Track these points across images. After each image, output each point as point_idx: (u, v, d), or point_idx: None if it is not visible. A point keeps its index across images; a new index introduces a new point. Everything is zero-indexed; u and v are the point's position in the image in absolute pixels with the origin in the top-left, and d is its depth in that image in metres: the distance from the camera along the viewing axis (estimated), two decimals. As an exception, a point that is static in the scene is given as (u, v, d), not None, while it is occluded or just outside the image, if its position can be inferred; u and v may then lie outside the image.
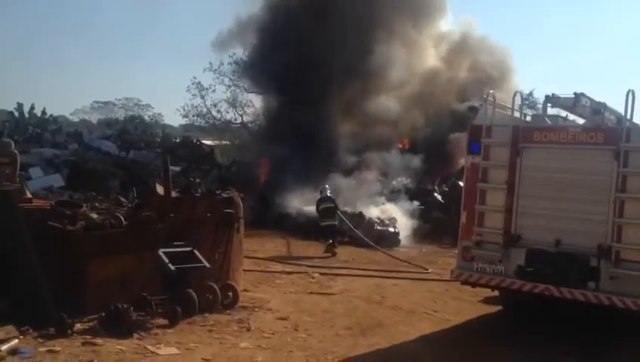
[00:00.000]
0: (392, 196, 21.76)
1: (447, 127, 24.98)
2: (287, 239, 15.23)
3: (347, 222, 16.36)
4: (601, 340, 8.41)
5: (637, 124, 8.73)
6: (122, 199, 12.57)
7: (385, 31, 25.27)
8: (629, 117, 8.16)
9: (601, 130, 8.49)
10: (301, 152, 22.84)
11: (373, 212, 19.78)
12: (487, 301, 10.39)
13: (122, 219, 8.79)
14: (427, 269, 13.92)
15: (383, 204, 20.85)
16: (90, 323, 7.46)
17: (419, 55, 27.24)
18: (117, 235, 8.40)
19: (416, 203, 21.44)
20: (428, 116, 26.40)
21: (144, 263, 8.32)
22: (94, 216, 8.85)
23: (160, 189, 10.09)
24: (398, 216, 19.94)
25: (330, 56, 23.52)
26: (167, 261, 8.13)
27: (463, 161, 11.11)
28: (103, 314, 7.41)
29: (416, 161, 23.36)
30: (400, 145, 25.28)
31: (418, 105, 26.29)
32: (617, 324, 8.42)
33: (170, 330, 7.54)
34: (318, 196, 16.49)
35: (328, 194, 16.27)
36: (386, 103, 24.98)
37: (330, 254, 15.17)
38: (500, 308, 10.12)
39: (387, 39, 25.23)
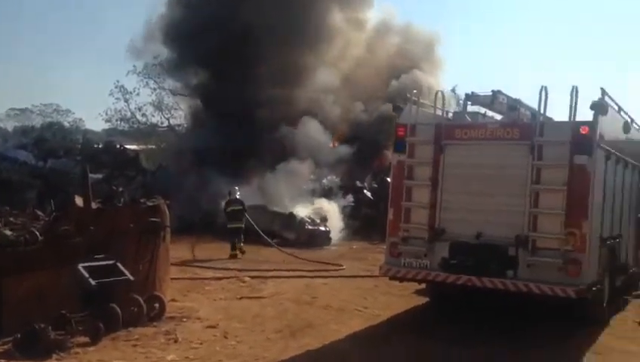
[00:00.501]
0: (324, 193, 21.89)
1: (378, 113, 25.53)
2: (193, 243, 14.87)
3: (254, 224, 16.37)
4: (517, 327, 8.77)
5: (551, 119, 9.16)
6: (39, 213, 11.98)
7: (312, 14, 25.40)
8: (542, 112, 8.54)
9: (517, 125, 8.88)
10: (229, 149, 22.68)
11: (304, 211, 19.83)
12: (419, 293, 10.62)
13: (38, 234, 8.42)
14: (342, 266, 14.12)
15: (315, 202, 20.93)
16: (6, 346, 7.03)
17: (346, 40, 27.60)
18: (32, 252, 8.01)
19: (350, 198, 21.71)
20: (360, 100, 26.79)
21: (62, 279, 7.93)
22: (8, 232, 8.43)
23: (79, 201, 9.68)
24: (330, 214, 20.11)
25: (255, 37, 23.47)
26: (87, 276, 7.78)
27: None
28: (19, 335, 7.00)
29: (346, 151, 23.60)
30: (332, 143, 25.43)
31: (350, 90, 26.66)
32: (532, 311, 8.84)
33: (92, 348, 7.23)
34: (227, 198, 16.39)
35: (237, 197, 16.23)
36: (323, 78, 25.15)
37: (235, 256, 15.23)
38: (427, 299, 10.37)
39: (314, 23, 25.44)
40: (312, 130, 23.25)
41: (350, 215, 20.90)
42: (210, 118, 25.67)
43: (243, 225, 15.89)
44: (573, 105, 8.10)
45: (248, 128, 23.15)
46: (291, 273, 13.00)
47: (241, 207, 15.98)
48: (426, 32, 31.70)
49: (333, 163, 23.48)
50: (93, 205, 9.66)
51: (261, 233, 16.41)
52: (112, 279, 8.05)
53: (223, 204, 16.67)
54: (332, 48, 26.53)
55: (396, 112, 9.84)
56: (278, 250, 15.90)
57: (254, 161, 22.15)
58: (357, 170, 24.69)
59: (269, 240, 16.45)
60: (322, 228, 19.00)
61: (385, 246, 9.45)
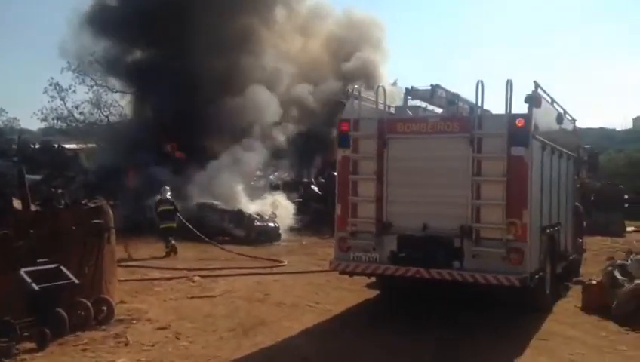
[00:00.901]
0: (272, 189, 21.91)
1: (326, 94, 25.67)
2: (125, 243, 14.42)
3: (187, 223, 16.33)
4: (465, 316, 9.07)
5: (488, 111, 9.46)
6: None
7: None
8: (480, 105, 8.80)
9: (457, 119, 9.13)
10: (174, 144, 22.38)
11: (252, 207, 19.78)
12: (369, 286, 10.79)
13: (-25, 239, 8.03)
14: (283, 262, 14.13)
15: (264, 198, 20.93)
16: (-55, 357, 6.75)
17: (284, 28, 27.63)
18: (-30, 258, 7.66)
19: (300, 190, 21.86)
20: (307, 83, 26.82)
21: (4, 285, 7.66)
22: (-58, 238, 8.01)
23: (17, 203, 9.34)
24: (280, 210, 20.15)
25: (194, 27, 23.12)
26: (29, 281, 7.54)
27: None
28: (-41, 346, 6.73)
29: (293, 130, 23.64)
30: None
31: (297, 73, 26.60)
32: (479, 300, 9.15)
33: (39, 354, 7.03)
34: (158, 198, 16.29)
35: (168, 197, 16.12)
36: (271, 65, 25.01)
37: (170, 254, 15.20)
38: (378, 292, 10.56)
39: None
40: (261, 99, 23.08)
41: (300, 210, 20.98)
42: (148, 103, 25.02)
43: (175, 225, 15.78)
44: (509, 98, 8.30)
45: (190, 108, 22.74)
46: (242, 271, 12.95)
47: (172, 207, 15.88)
48: (368, 17, 32.11)
49: (280, 147, 23.52)
50: (32, 207, 9.35)
51: (195, 230, 16.27)
52: (56, 283, 7.85)
53: (154, 203, 16.49)
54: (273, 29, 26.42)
55: (339, 107, 9.91)
56: (220, 247, 15.80)
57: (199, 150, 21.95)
58: (305, 160, 24.83)
59: (204, 237, 16.29)
60: (272, 225, 19.01)
61: (334, 241, 9.55)
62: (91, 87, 31.62)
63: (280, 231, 19.06)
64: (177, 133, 23.24)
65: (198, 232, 16.30)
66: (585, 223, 13.91)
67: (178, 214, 16.07)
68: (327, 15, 30.85)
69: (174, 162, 22.42)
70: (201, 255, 15.23)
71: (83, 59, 29.47)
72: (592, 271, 12.48)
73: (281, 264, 13.96)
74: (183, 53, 23.43)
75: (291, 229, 19.84)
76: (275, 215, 19.67)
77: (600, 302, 9.54)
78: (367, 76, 27.60)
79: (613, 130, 67.57)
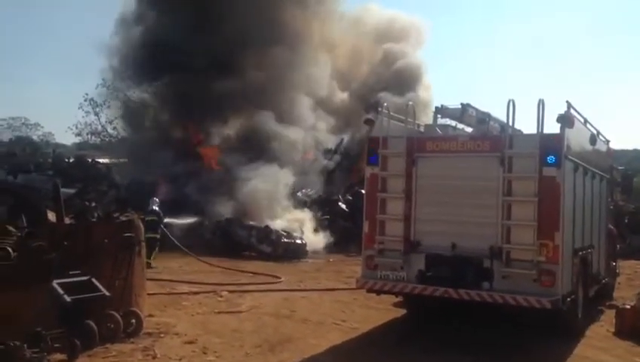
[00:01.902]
0: (299, 206, 21.99)
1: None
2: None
3: (170, 235, 16.56)
4: (495, 338, 8.93)
5: (519, 130, 9.38)
6: (11, 228, 11.79)
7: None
8: (511, 124, 8.74)
9: (487, 138, 9.06)
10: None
11: (280, 224, 19.85)
12: (397, 305, 10.70)
13: (10, 251, 8.25)
14: (280, 278, 14.03)
15: (291, 214, 21.01)
16: (-21, 367, 6.89)
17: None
18: (5, 269, 7.84)
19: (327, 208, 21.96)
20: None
21: (37, 296, 7.81)
22: (-20, 250, 8.24)
23: (51, 216, 9.58)
24: (307, 227, 20.20)
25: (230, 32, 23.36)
26: (62, 292, 7.68)
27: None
28: (-8, 354, 6.87)
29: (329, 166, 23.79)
30: (307, 155, 25.50)
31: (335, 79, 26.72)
32: (509, 322, 8.98)
33: (69, 366, 7.13)
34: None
35: (154, 208, 16.38)
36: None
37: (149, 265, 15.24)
38: (405, 311, 10.46)
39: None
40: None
41: (327, 227, 21.00)
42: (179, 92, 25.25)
43: (157, 236, 15.99)
44: (540, 117, 8.21)
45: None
46: (270, 286, 13.00)
47: (155, 218, 16.11)
48: (410, 19, 32.06)
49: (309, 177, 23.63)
50: (66, 220, 9.56)
51: (178, 243, 16.39)
52: (87, 295, 7.97)
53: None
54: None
55: (368, 125, 9.91)
56: (207, 263, 15.77)
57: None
58: (339, 178, 24.85)
59: (187, 250, 16.38)
60: (299, 241, 19.03)
61: (361, 259, 9.52)
62: (124, 103, 32.27)
63: (307, 248, 19.06)
64: (206, 122, 23.26)
65: (180, 244, 16.44)
66: (618, 246, 13.59)
67: (162, 226, 16.37)
68: (362, 19, 30.91)
69: (204, 170, 22.76)
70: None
71: (116, 76, 30.11)
72: (625, 295, 12.16)
73: (278, 280, 13.83)
74: (217, 33, 23.52)
75: (318, 246, 19.81)
76: (303, 232, 19.71)
77: (634, 327, 9.31)
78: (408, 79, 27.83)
79: (648, 152, 66.05)
